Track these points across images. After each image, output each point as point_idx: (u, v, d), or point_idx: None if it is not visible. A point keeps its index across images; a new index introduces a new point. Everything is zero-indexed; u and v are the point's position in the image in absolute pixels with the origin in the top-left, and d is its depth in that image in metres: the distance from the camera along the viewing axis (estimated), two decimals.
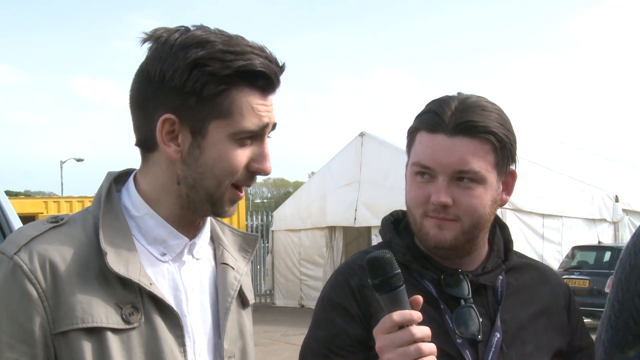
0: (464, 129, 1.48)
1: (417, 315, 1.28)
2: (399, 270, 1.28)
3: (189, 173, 1.27)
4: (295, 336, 12.09)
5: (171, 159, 1.26)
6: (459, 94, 1.56)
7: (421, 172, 1.52)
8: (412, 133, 1.56)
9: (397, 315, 1.26)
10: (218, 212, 1.31)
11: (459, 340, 1.49)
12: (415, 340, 1.26)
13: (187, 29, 1.26)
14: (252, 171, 1.29)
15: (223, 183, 1.27)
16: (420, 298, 1.30)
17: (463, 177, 1.48)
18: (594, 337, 1.74)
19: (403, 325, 1.27)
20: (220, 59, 1.22)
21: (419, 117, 1.56)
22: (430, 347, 1.27)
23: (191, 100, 1.23)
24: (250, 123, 1.25)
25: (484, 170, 1.48)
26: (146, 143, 1.29)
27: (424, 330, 1.27)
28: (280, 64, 1.28)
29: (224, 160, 1.25)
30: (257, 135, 1.28)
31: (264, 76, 1.25)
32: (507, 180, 1.58)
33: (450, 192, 1.48)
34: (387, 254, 1.29)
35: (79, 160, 39.17)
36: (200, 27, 1.27)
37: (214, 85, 1.23)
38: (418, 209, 1.52)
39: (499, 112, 1.54)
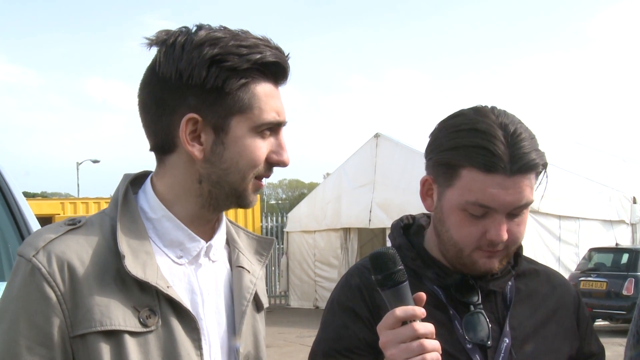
0: (524, 169, 1.46)
1: (420, 311, 1.27)
2: (402, 267, 1.28)
3: (213, 170, 1.27)
4: (310, 338, 12.04)
5: (195, 158, 1.27)
6: (495, 115, 1.49)
7: (477, 210, 1.48)
8: (456, 167, 1.47)
9: (400, 311, 1.26)
10: (243, 203, 1.32)
11: (468, 346, 1.49)
12: (418, 336, 1.25)
13: (189, 30, 1.27)
14: (270, 163, 1.31)
15: (247, 176, 1.28)
16: (423, 295, 1.30)
17: (518, 212, 1.49)
18: (609, 340, 1.73)
19: (406, 321, 1.26)
20: (237, 53, 1.24)
21: (464, 151, 1.46)
22: (433, 344, 1.26)
23: (212, 97, 1.24)
24: (269, 115, 1.28)
25: (531, 199, 1.50)
26: (164, 146, 1.29)
27: (427, 327, 1.27)
28: (286, 53, 1.30)
29: (247, 154, 1.27)
30: (275, 128, 1.30)
31: (278, 66, 1.28)
32: None
33: (507, 226, 1.48)
34: (391, 250, 1.29)
35: (95, 161, 39.44)
36: (202, 27, 1.28)
37: (235, 79, 1.24)
38: (472, 244, 1.50)
39: (534, 137, 1.53)
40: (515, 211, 1.48)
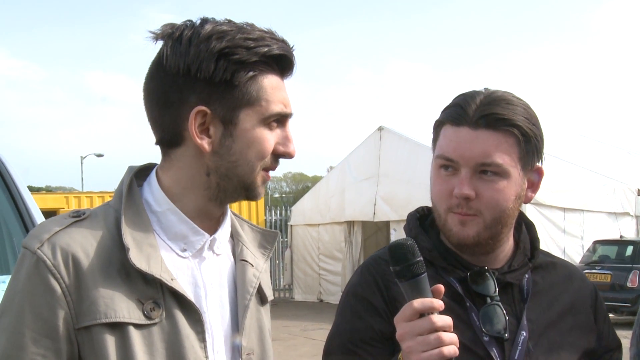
0: (488, 122, 1.47)
1: (438, 303, 1.26)
2: (421, 258, 1.27)
3: (222, 163, 1.28)
4: (315, 331, 12.11)
5: (203, 151, 1.27)
6: (485, 89, 1.55)
7: (445, 165, 1.51)
8: (438, 127, 1.56)
9: (418, 303, 1.25)
10: (251, 195, 1.32)
11: (485, 338, 1.48)
12: (436, 329, 1.25)
13: (194, 23, 1.27)
14: (277, 154, 1.31)
15: (255, 168, 1.29)
16: (441, 287, 1.29)
17: (486, 170, 1.48)
18: (619, 332, 1.72)
19: (424, 314, 1.26)
20: (244, 46, 1.24)
21: (445, 111, 1.55)
22: (450, 337, 1.26)
23: (220, 90, 1.25)
24: (277, 107, 1.28)
25: (507, 164, 1.48)
26: (171, 139, 1.29)
27: (445, 320, 1.26)
28: (291, 45, 1.31)
29: (256, 145, 1.27)
30: (282, 119, 1.30)
31: (284, 59, 1.29)
32: (533, 177, 1.57)
33: (473, 184, 1.47)
34: (410, 241, 1.29)
35: (99, 155, 39.47)
36: (207, 20, 1.28)
37: (244, 72, 1.25)
38: (442, 203, 1.52)
39: (525, 107, 1.52)
40: (483, 168, 1.47)
